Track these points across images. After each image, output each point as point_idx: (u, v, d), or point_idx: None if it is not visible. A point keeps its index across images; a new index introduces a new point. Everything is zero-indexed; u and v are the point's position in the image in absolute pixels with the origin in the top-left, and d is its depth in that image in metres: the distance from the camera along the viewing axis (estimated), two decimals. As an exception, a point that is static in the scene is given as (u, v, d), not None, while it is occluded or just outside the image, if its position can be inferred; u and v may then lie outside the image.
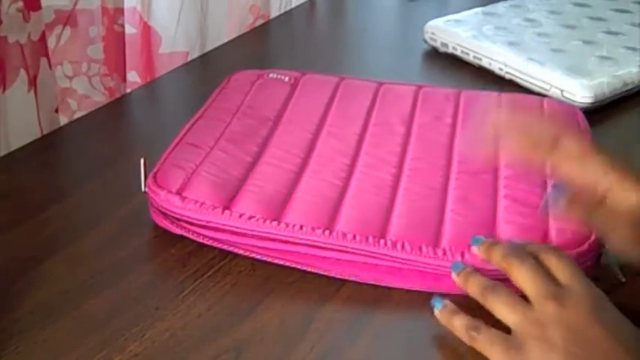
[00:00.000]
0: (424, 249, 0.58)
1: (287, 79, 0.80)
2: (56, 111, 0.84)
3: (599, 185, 0.51)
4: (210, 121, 0.73)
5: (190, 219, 0.61)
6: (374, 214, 0.61)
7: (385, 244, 0.58)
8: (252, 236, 0.60)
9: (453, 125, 0.73)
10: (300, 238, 0.59)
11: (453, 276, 0.56)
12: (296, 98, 0.77)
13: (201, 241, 0.62)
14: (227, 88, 0.79)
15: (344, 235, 0.59)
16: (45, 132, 0.80)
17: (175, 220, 0.62)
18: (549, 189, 0.62)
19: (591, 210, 0.52)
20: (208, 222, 0.60)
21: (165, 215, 0.63)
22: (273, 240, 0.60)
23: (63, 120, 0.87)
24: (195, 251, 0.61)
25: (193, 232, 0.62)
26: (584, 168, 0.52)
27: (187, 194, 0.62)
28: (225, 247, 0.61)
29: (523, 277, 0.52)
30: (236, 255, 0.61)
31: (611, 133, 0.80)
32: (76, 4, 0.87)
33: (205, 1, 1.01)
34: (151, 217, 0.64)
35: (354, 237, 0.58)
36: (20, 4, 0.74)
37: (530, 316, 0.49)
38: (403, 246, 0.58)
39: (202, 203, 0.61)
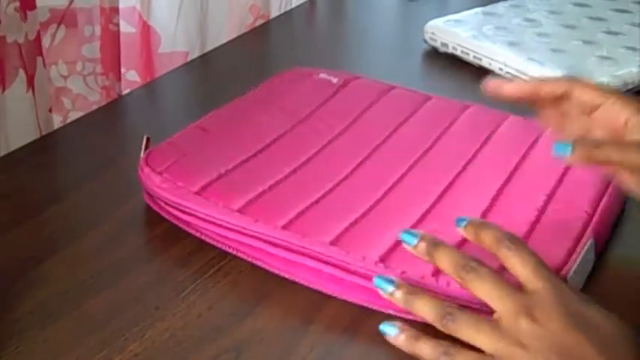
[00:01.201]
0: (367, 258, 0.56)
1: (335, 80, 0.80)
2: (50, 110, 0.84)
3: (618, 122, 0.52)
4: (234, 111, 0.73)
5: (165, 199, 0.62)
6: (336, 219, 0.60)
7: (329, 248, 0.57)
8: (222, 226, 0.60)
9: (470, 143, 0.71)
10: (255, 232, 0.59)
11: (388, 295, 0.52)
12: (334, 101, 0.77)
13: (178, 224, 0.63)
14: (271, 83, 0.80)
15: (289, 232, 0.58)
16: (43, 132, 0.80)
17: (155, 199, 0.64)
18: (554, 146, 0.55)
19: (614, 149, 0.53)
20: (179, 204, 0.61)
21: (149, 194, 0.64)
22: (242, 234, 0.60)
23: (57, 119, 0.87)
24: (195, 251, 0.61)
25: (171, 214, 0.63)
26: (603, 110, 0.53)
27: (168, 175, 0.63)
28: (197, 234, 0.62)
29: (483, 291, 0.49)
30: (236, 255, 0.61)
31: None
32: (71, 2, 0.87)
33: (205, 1, 1.01)
34: (150, 218, 0.64)
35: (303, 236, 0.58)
36: (17, 3, 0.74)
37: (503, 336, 0.47)
38: (348, 252, 0.57)
39: (178, 185, 0.62)
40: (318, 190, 0.63)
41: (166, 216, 0.64)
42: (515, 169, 0.67)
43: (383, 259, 0.56)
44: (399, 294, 0.51)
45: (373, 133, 0.72)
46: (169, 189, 0.62)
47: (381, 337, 0.54)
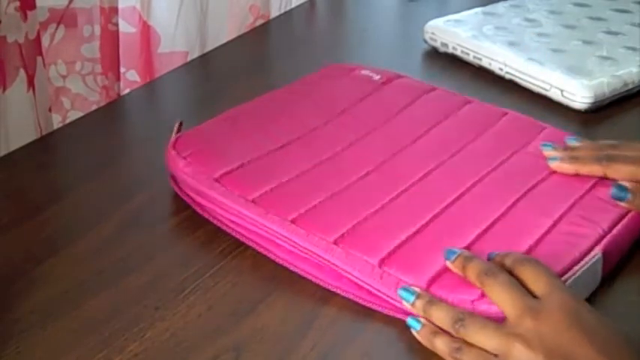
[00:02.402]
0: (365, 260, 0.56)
1: (378, 77, 0.80)
2: (49, 110, 0.84)
3: None
4: (269, 103, 0.74)
5: (186, 183, 0.64)
6: (347, 216, 0.60)
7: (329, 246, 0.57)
8: (235, 215, 0.61)
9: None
10: (263, 224, 0.59)
11: (407, 305, 0.54)
12: (372, 98, 0.77)
13: (198, 211, 0.64)
14: (311, 77, 0.80)
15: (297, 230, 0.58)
16: (42, 132, 0.80)
17: (178, 183, 0.66)
18: (611, 189, 0.62)
19: None
20: (198, 189, 0.63)
21: (173, 178, 0.66)
22: (253, 224, 0.60)
23: (56, 119, 0.87)
24: (195, 251, 0.61)
25: (191, 199, 0.64)
26: None
27: (192, 160, 0.64)
28: (215, 222, 0.63)
29: (498, 295, 0.51)
30: (236, 255, 0.61)
31: (611, 133, 0.80)
32: (70, 2, 0.87)
33: (205, 1, 1.01)
34: (150, 218, 0.64)
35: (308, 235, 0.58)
36: (17, 3, 0.74)
37: (510, 335, 0.48)
38: (348, 255, 0.57)
39: (200, 171, 0.63)
40: (335, 186, 0.63)
41: (188, 201, 0.65)
42: (544, 179, 0.66)
43: (383, 262, 0.56)
44: (419, 303, 0.53)
45: (404, 133, 0.71)
46: (191, 173, 0.64)
47: (381, 337, 0.55)
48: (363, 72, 0.81)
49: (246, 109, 0.73)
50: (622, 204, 0.62)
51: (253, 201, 0.61)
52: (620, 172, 0.64)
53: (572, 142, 0.70)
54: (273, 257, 0.60)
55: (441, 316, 0.52)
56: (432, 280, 0.55)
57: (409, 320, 0.53)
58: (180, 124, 0.68)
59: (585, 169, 0.65)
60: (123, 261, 0.60)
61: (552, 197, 0.63)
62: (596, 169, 0.65)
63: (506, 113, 0.76)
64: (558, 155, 0.67)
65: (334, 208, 0.61)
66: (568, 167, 0.66)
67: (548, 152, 0.68)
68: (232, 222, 0.62)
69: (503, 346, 0.48)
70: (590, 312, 0.50)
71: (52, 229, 0.64)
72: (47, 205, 0.66)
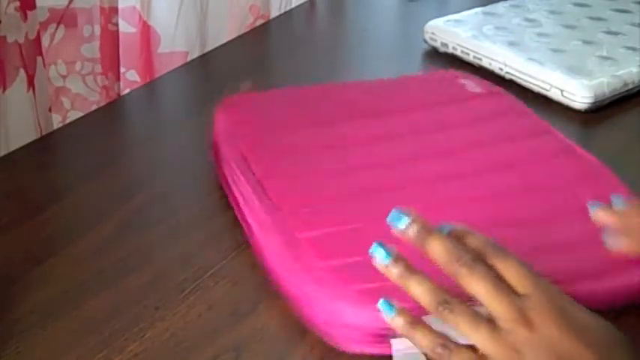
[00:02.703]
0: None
1: (478, 89, 0.79)
2: (49, 110, 0.84)
3: None
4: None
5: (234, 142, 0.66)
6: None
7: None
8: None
9: None
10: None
11: (381, 267, 0.48)
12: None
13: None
14: (420, 79, 0.83)
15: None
16: (42, 132, 0.80)
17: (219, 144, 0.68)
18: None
19: None
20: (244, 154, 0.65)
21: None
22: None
23: (56, 119, 0.87)
24: (195, 251, 0.61)
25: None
26: None
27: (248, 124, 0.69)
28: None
29: (480, 291, 0.46)
30: (236, 255, 0.61)
31: (611, 133, 0.80)
32: (70, 2, 0.87)
33: (205, 1, 1.01)
34: (150, 218, 0.64)
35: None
36: (17, 3, 0.74)
37: (500, 339, 0.46)
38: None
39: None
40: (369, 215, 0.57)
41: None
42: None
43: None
44: (396, 270, 0.47)
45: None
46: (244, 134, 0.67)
47: (381, 337, 0.54)
48: (463, 81, 0.80)
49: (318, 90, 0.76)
50: None
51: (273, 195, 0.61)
52: None
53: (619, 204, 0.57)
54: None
55: (419, 290, 0.47)
56: None
57: (380, 304, 0.48)
58: (251, 87, 0.73)
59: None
60: (123, 261, 0.60)
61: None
62: None
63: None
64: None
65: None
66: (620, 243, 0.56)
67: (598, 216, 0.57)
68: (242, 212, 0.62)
69: (500, 355, 0.46)
70: (575, 306, 0.48)
71: (52, 229, 0.64)
72: (47, 205, 0.66)
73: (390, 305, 0.48)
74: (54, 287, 0.57)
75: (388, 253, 0.47)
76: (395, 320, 0.48)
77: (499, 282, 0.47)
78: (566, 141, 0.70)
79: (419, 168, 0.65)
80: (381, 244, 0.47)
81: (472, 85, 0.79)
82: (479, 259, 0.47)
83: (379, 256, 0.47)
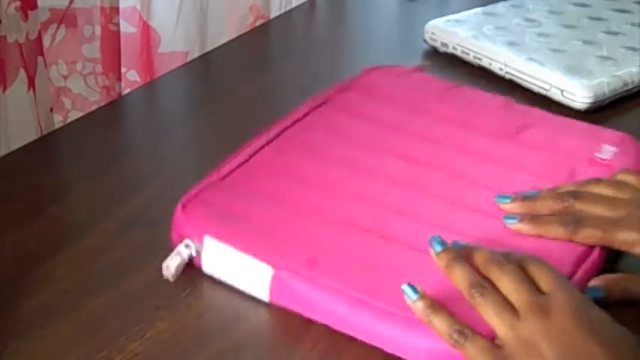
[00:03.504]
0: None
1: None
2: (51, 110, 0.84)
3: None
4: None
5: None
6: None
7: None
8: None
9: None
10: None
11: (433, 254, 0.54)
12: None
13: None
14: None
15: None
16: (43, 132, 0.80)
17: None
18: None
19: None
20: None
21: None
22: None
23: (57, 119, 0.87)
24: (196, 251, 0.61)
25: None
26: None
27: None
28: None
29: (506, 285, 0.51)
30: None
31: (611, 133, 0.80)
32: (71, 2, 0.87)
33: (205, 1, 1.01)
34: (150, 218, 0.64)
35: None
36: (18, 2, 0.74)
37: (518, 329, 0.49)
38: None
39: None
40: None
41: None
42: None
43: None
44: (443, 258, 0.54)
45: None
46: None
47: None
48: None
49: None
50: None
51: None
52: (588, 239, 0.59)
53: (530, 194, 0.63)
54: None
55: (461, 276, 0.52)
56: None
57: (404, 286, 0.52)
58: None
59: (549, 234, 0.59)
60: (123, 261, 0.60)
61: None
62: (562, 234, 0.59)
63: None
64: (518, 213, 0.61)
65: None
66: (529, 229, 0.60)
67: (505, 206, 0.62)
68: None
69: (515, 345, 0.48)
70: (596, 312, 0.50)
71: (52, 229, 0.64)
72: (48, 205, 0.66)
73: (414, 288, 0.52)
74: (54, 287, 0.57)
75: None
76: (416, 304, 0.51)
77: (526, 278, 0.52)
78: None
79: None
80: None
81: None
82: (509, 259, 0.53)
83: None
